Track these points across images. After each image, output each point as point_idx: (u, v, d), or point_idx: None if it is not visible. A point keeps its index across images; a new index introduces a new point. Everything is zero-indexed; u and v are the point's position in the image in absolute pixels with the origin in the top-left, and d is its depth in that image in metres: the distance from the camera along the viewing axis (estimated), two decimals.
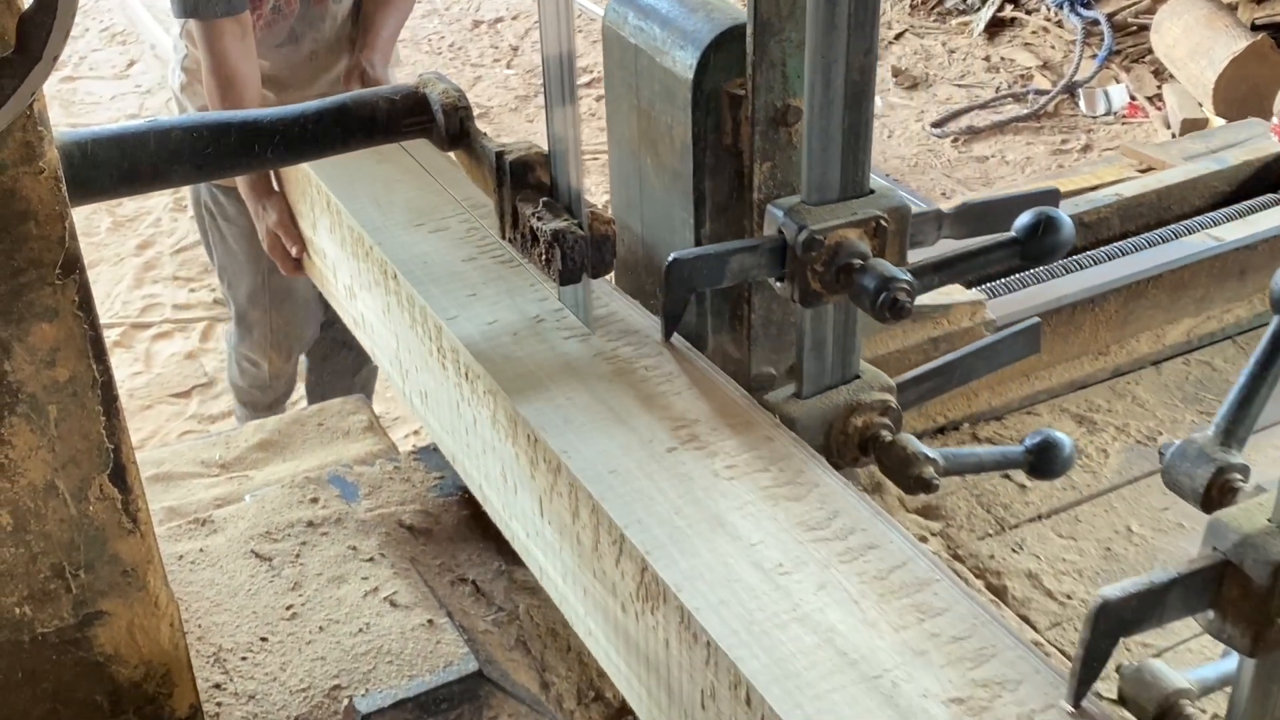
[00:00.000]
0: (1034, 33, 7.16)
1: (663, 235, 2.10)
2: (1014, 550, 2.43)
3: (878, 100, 6.81)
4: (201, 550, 2.26)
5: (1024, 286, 2.89)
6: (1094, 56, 6.76)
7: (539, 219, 1.90)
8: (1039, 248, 1.86)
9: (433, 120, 2.06)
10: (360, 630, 2.09)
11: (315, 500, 2.36)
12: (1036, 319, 2.18)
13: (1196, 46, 5.87)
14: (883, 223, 1.81)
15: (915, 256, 1.88)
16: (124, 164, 1.85)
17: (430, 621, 2.09)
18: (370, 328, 2.45)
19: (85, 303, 1.51)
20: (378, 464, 2.50)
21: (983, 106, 6.81)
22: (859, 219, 1.80)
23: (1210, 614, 1.37)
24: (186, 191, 4.03)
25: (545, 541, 1.85)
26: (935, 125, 6.67)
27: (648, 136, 2.07)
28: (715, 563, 1.51)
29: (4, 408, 1.52)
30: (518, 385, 1.85)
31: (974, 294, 2.74)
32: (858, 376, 1.99)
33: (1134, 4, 6.89)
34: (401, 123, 2.06)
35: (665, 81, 1.98)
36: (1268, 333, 1.43)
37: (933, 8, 7.69)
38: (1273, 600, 1.32)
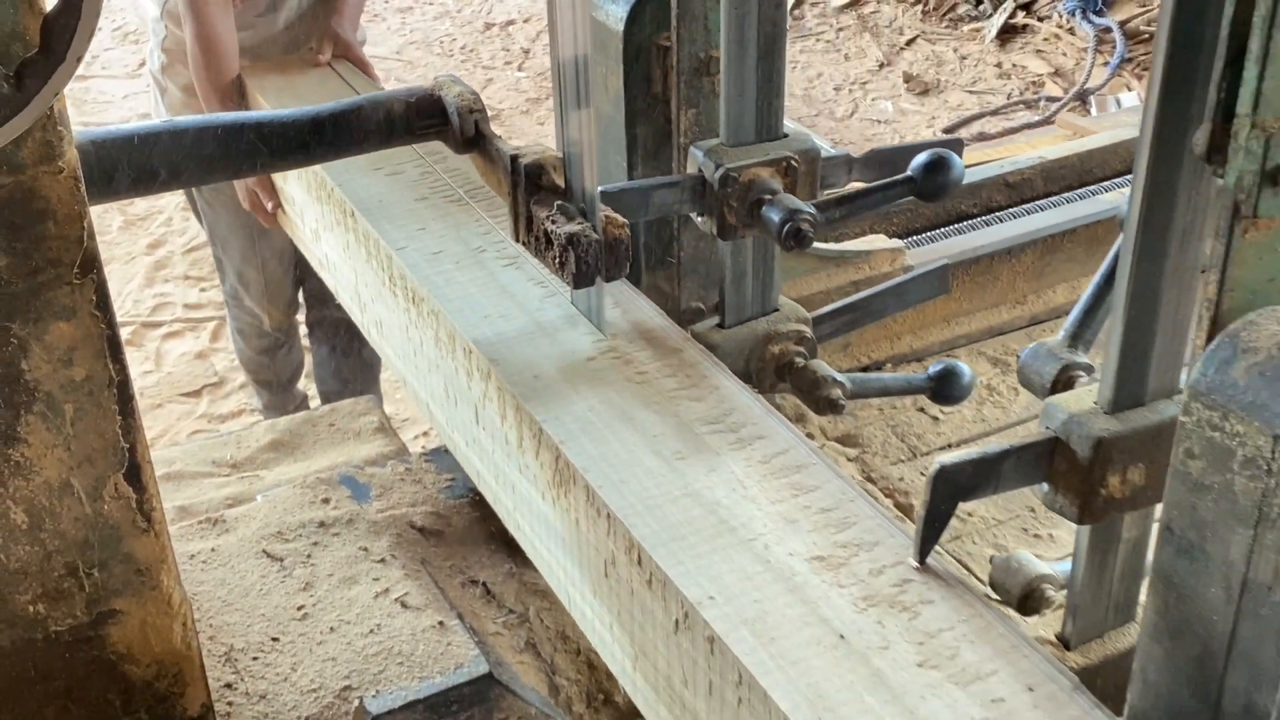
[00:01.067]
0: (1046, 40, 7.16)
1: (600, 179, 2.20)
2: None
3: (888, 105, 6.82)
4: (213, 550, 2.27)
5: (946, 238, 3.17)
6: (1106, 64, 6.76)
7: (553, 222, 1.90)
8: (931, 185, 2.03)
9: (448, 123, 2.06)
10: (371, 631, 2.09)
11: (327, 501, 2.37)
12: (945, 261, 2.39)
13: None
14: (793, 163, 2.00)
15: None
16: (139, 164, 1.85)
17: (441, 623, 2.10)
18: (333, 266, 2.64)
19: (103, 302, 1.52)
20: (389, 465, 2.51)
21: (994, 113, 6.81)
22: (771, 159, 1.99)
23: (1045, 486, 1.54)
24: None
25: (481, 447, 2.04)
26: (946, 131, 6.67)
27: None
28: (620, 450, 1.71)
29: (20, 406, 1.52)
30: (457, 306, 2.04)
31: (895, 242, 2.95)
32: (776, 309, 2.18)
33: (1146, 11, 6.89)
34: (416, 125, 2.07)
35: (599, 34, 2.14)
36: (1111, 250, 1.58)
37: (944, 14, 7.69)
38: (1095, 472, 1.49)
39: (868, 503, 1.60)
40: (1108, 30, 6.77)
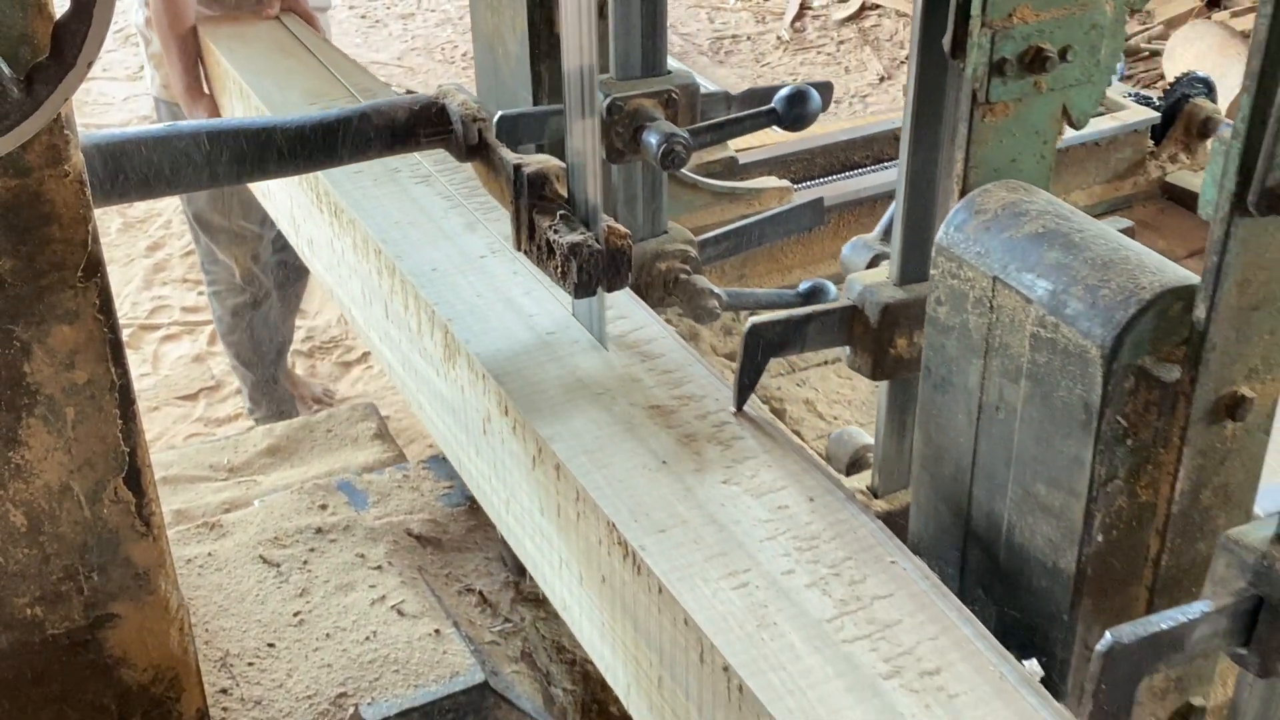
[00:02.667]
0: None
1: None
2: (798, 385, 2.91)
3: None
4: (210, 554, 2.27)
5: (834, 182, 3.48)
6: None
7: (555, 231, 1.90)
8: (791, 115, 2.32)
9: (451, 131, 2.06)
10: (367, 638, 2.09)
11: (324, 507, 2.36)
12: (820, 195, 2.68)
13: (1209, 74, 5.88)
14: (674, 95, 2.27)
15: None
16: (143, 168, 1.85)
17: (437, 631, 2.09)
18: (272, 195, 2.92)
19: (106, 306, 1.52)
20: (387, 472, 2.51)
21: None
22: (653, 91, 2.26)
23: (847, 349, 1.81)
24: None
25: (391, 339, 2.28)
26: None
27: (498, 30, 2.49)
28: (500, 327, 1.98)
29: (22, 409, 1.52)
30: (371, 215, 2.28)
31: (783, 182, 3.26)
32: (665, 231, 2.45)
33: (1146, 29, 6.90)
34: (420, 132, 2.07)
35: None
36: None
37: None
38: (883, 334, 1.75)
39: (704, 367, 1.87)
40: None
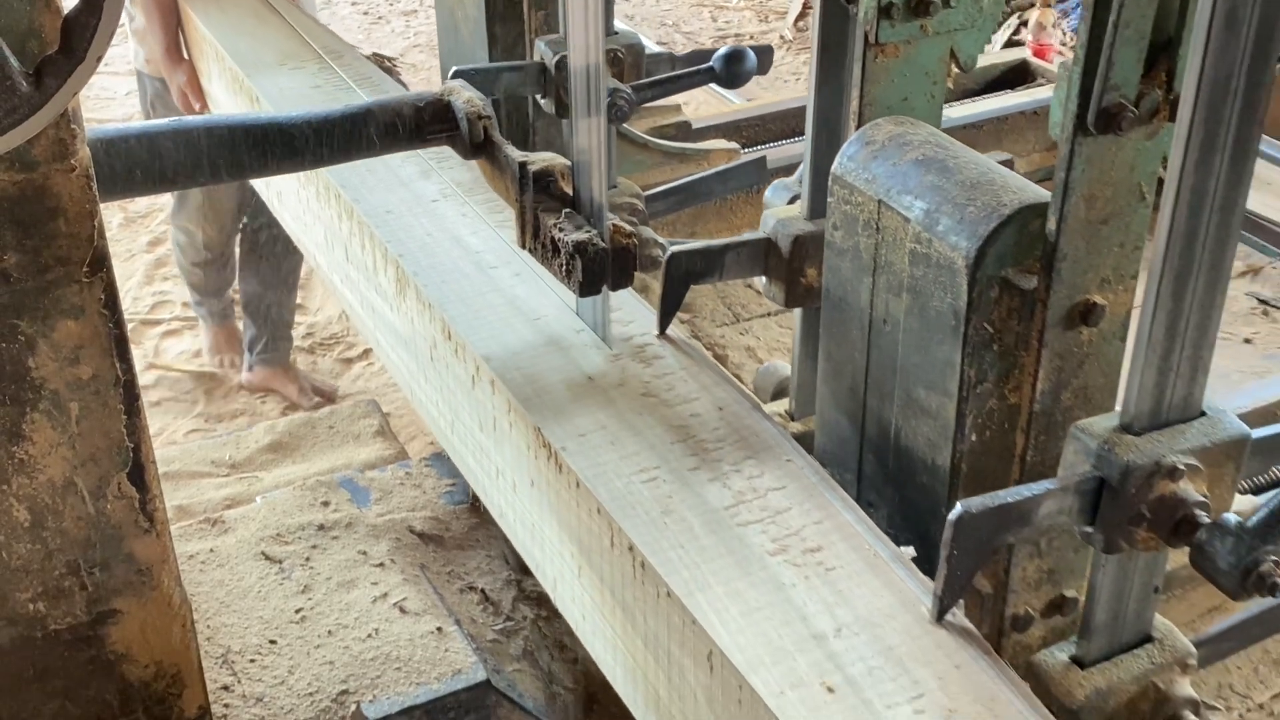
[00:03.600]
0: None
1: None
2: (741, 334, 3.07)
3: None
4: (211, 550, 2.26)
5: (782, 146, 3.61)
6: None
7: (560, 230, 1.89)
8: (729, 74, 2.50)
9: (456, 128, 2.06)
10: (369, 636, 2.09)
11: (326, 504, 2.36)
12: (764, 155, 2.79)
13: None
14: (620, 54, 2.43)
15: None
16: (146, 163, 1.85)
17: (439, 629, 2.09)
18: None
19: (111, 301, 1.51)
20: (389, 469, 2.51)
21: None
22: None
23: (765, 280, 1.91)
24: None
25: (351, 281, 2.42)
26: None
27: None
28: (447, 262, 2.10)
29: (26, 404, 1.52)
30: (344, 176, 2.41)
31: (731, 144, 3.38)
32: (615, 185, 2.48)
33: None
34: (425, 129, 2.06)
35: None
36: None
37: None
38: (794, 264, 1.86)
39: (630, 294, 2.00)
40: None
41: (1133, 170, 1.47)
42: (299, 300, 4.99)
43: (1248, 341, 3.06)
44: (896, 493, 1.72)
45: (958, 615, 1.42)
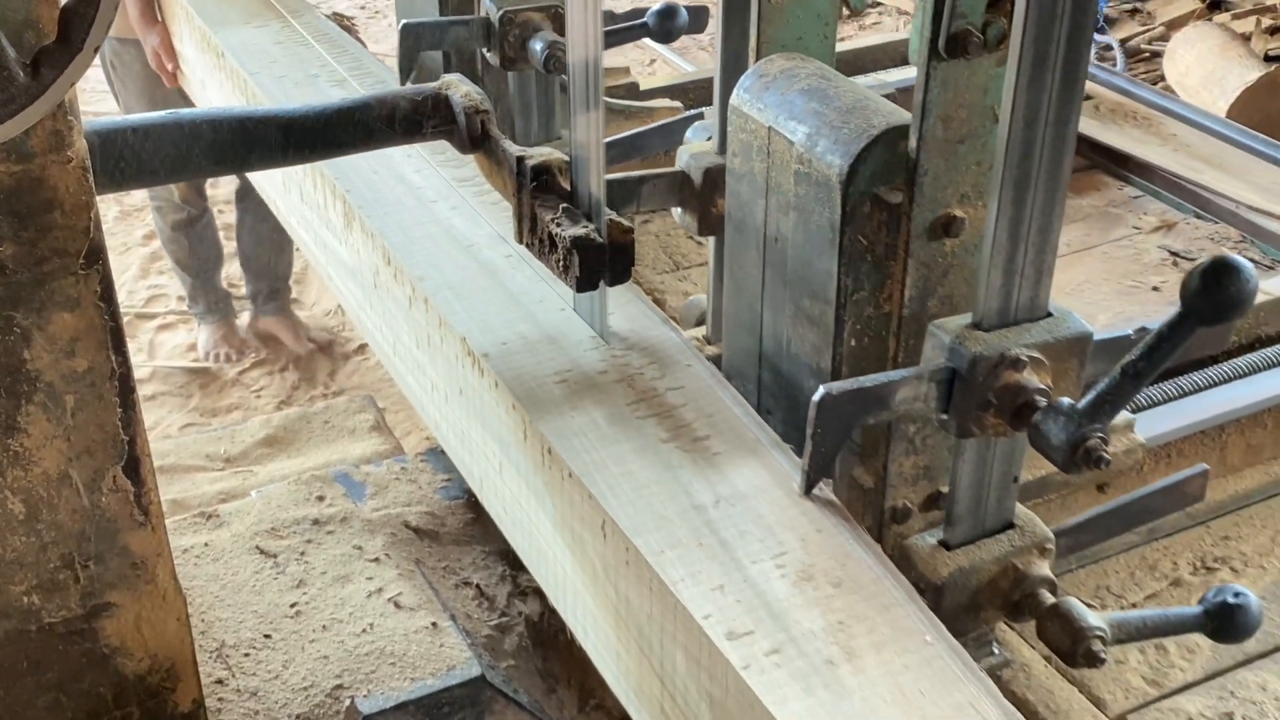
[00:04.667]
0: None
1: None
2: (680, 280, 3.20)
3: None
4: (206, 544, 2.26)
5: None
6: None
7: (558, 225, 1.89)
8: (661, 29, 2.65)
9: (454, 122, 2.05)
10: (364, 630, 2.08)
11: (322, 498, 2.36)
12: (701, 111, 2.78)
13: (1209, 75, 5.87)
14: (559, 10, 2.58)
15: None
16: (143, 156, 1.84)
17: (434, 624, 2.09)
18: (212, 104, 3.33)
19: (107, 293, 1.51)
20: (385, 464, 2.50)
21: None
22: (542, 5, 2.61)
23: (680, 210, 2.05)
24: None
25: (306, 221, 2.63)
26: None
27: None
28: (390, 196, 2.29)
29: (21, 396, 1.51)
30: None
31: (674, 103, 3.54)
32: (558, 137, 2.79)
33: (1147, 30, 6.90)
34: (423, 123, 2.06)
35: None
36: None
37: None
38: (706, 195, 2.00)
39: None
40: (1108, 48, 6.78)
41: (985, 94, 1.60)
42: (294, 295, 5.00)
43: (1156, 289, 3.23)
44: (788, 398, 1.86)
45: (824, 490, 1.59)
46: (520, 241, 2.00)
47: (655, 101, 3.60)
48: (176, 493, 2.61)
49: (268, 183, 2.92)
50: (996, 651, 1.86)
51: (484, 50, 2.68)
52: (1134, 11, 7.17)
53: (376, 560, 2.22)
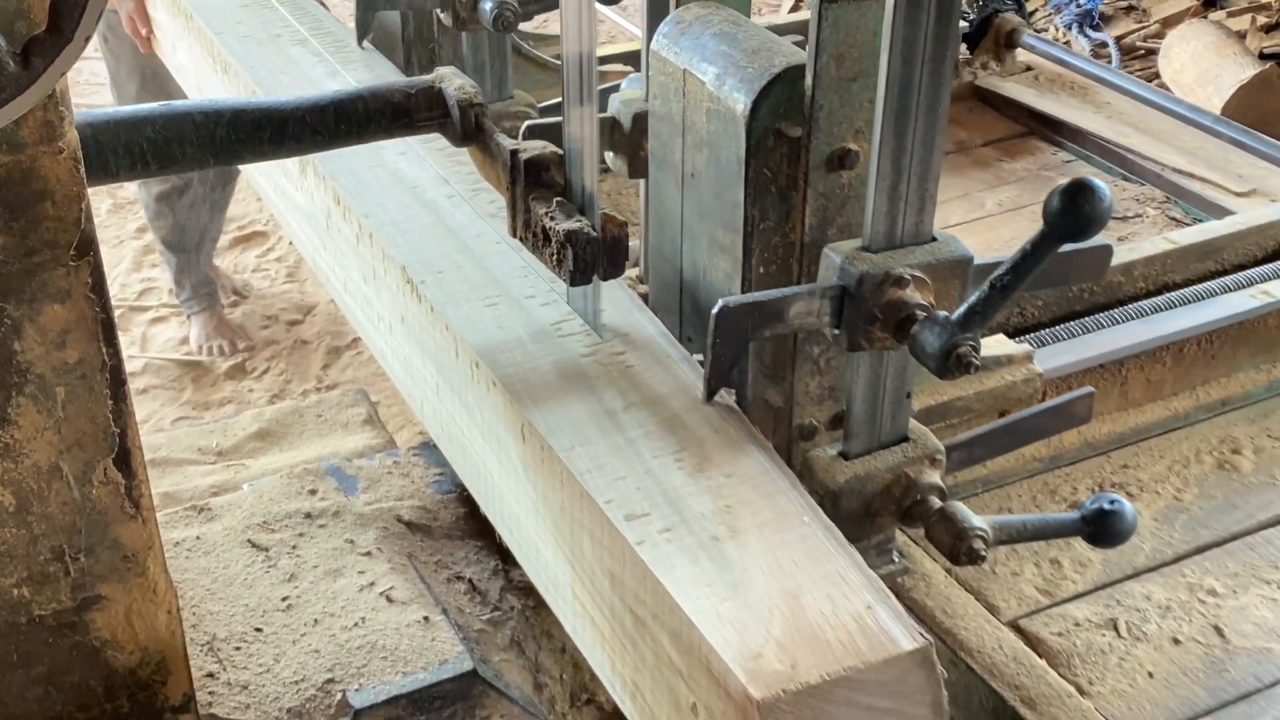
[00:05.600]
0: None
1: None
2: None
3: None
4: (198, 538, 2.25)
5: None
6: None
7: (551, 219, 1.88)
8: None
9: (447, 115, 2.05)
10: (355, 624, 2.08)
11: (314, 492, 2.35)
12: (628, 71, 2.93)
13: (1204, 73, 5.87)
14: None
15: None
16: (137, 147, 1.84)
17: (426, 618, 2.09)
18: (183, 69, 3.43)
19: (98, 285, 1.50)
20: (377, 458, 2.50)
21: None
22: None
23: (611, 154, 2.12)
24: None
25: (266, 172, 2.75)
26: None
27: None
28: (370, 179, 2.36)
29: (12, 388, 1.51)
30: (251, 65, 2.77)
31: (626, 68, 3.56)
32: (511, 96, 2.95)
33: (1143, 28, 6.90)
34: (416, 116, 2.05)
35: None
36: None
37: None
38: (635, 139, 2.08)
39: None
40: (1104, 45, 6.78)
41: (875, 35, 1.69)
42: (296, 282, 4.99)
43: None
44: (705, 325, 1.90)
45: (725, 397, 1.73)
46: (514, 235, 1.99)
47: (609, 67, 3.73)
48: (168, 486, 2.61)
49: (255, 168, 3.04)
50: (896, 560, 2.00)
51: (438, 11, 2.81)
52: (1129, 9, 7.18)
53: (368, 554, 2.22)
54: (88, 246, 1.48)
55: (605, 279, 1.90)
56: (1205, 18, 6.65)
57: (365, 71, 2.74)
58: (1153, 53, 6.65)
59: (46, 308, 1.49)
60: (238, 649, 2.05)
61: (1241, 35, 6.25)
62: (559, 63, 3.45)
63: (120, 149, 1.83)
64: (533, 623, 2.21)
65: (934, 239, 1.73)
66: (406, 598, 2.12)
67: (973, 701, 2.16)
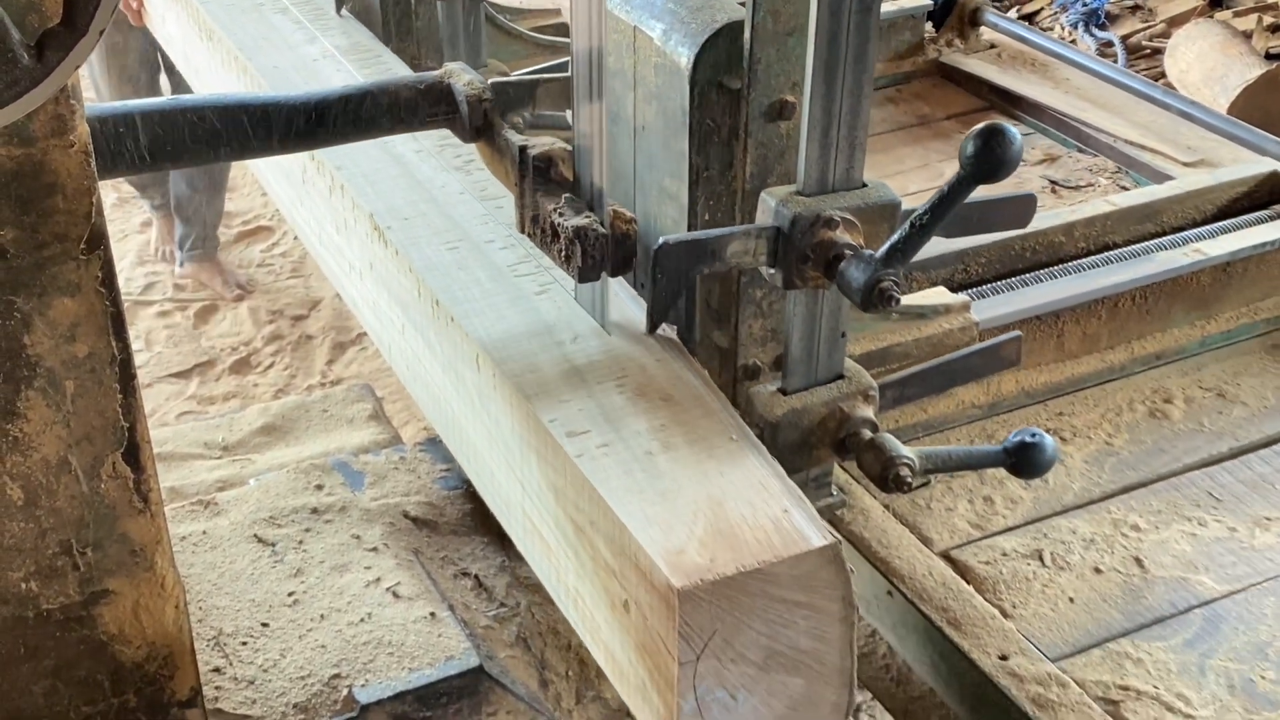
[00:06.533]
0: None
1: None
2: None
3: None
4: (204, 532, 2.25)
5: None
6: None
7: (560, 215, 1.88)
8: None
9: (456, 111, 2.05)
10: (362, 620, 2.08)
11: (320, 487, 2.35)
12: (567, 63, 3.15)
13: (1210, 73, 5.86)
14: None
15: None
16: (143, 141, 1.83)
17: (432, 614, 2.08)
18: (171, 39, 3.54)
19: (108, 279, 1.50)
20: (384, 454, 2.49)
21: None
22: None
23: (570, 112, 2.03)
24: None
25: (273, 159, 2.74)
26: None
27: None
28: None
29: (21, 381, 1.51)
30: (235, 32, 2.87)
31: None
32: (485, 65, 2.92)
33: (1149, 27, 6.89)
34: (425, 112, 2.05)
35: None
36: None
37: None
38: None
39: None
40: (1109, 44, 6.78)
41: None
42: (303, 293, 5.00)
43: None
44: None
45: (666, 330, 1.85)
46: (522, 231, 1.99)
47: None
48: (174, 480, 2.60)
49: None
50: (835, 493, 2.15)
51: None
52: (1135, 8, 7.17)
53: (375, 550, 2.21)
54: (98, 240, 1.48)
55: (613, 275, 1.89)
56: (1211, 17, 6.64)
57: (343, 38, 2.84)
58: (1158, 52, 6.64)
59: (56, 301, 1.49)
60: (244, 644, 2.04)
61: (1247, 35, 6.24)
62: (535, 35, 3.59)
63: (128, 143, 1.83)
64: (538, 619, 2.20)
65: (864, 185, 1.84)
66: (413, 593, 2.12)
67: (905, 625, 2.33)
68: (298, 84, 2.60)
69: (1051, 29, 7.15)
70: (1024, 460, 1.94)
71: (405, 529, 2.29)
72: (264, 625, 2.08)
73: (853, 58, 1.74)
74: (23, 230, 1.43)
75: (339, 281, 2.48)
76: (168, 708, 1.80)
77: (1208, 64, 5.93)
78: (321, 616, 2.09)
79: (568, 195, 1.90)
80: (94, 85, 4.93)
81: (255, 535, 2.24)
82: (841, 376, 1.99)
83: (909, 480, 1.89)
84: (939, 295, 2.68)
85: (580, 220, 1.85)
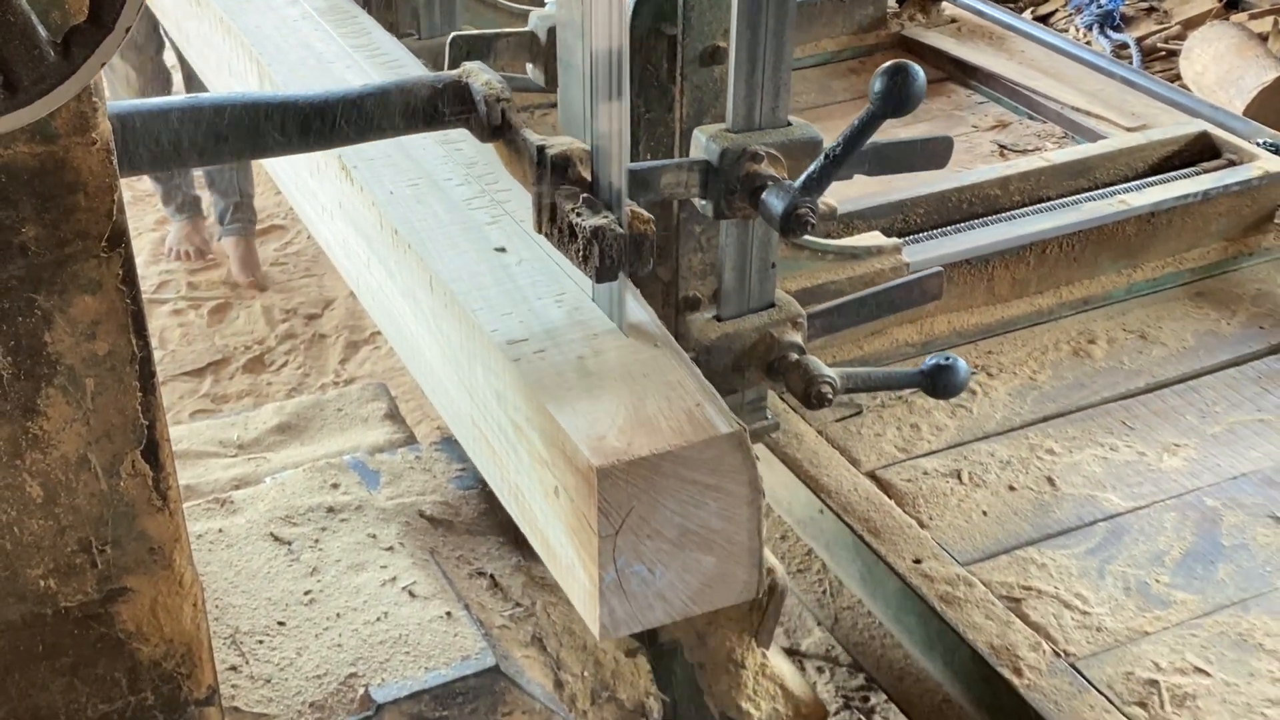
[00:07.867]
0: None
1: None
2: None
3: None
4: (220, 531, 2.25)
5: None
6: None
7: (578, 215, 1.88)
8: None
9: (474, 110, 2.04)
10: (378, 619, 2.08)
11: (336, 486, 2.35)
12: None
13: (1226, 75, 5.85)
14: None
15: None
16: (161, 140, 1.84)
17: (448, 614, 2.08)
18: (166, 12, 3.61)
19: (129, 277, 1.50)
20: (399, 453, 2.49)
21: None
22: None
23: (530, 66, 2.34)
24: None
25: (230, 90, 2.95)
26: None
27: None
28: (295, 59, 2.67)
29: (41, 379, 1.51)
30: (228, 4, 2.95)
31: None
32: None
33: (1164, 29, 6.87)
34: (442, 111, 2.05)
35: None
36: None
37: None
38: (550, 50, 2.22)
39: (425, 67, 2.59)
40: (1124, 46, 6.76)
41: None
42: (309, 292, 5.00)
43: None
44: None
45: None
46: (540, 231, 1.99)
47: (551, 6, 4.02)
48: (189, 479, 2.61)
49: (203, 62, 3.28)
50: (769, 416, 2.30)
51: None
52: (1150, 10, 7.15)
53: (391, 549, 2.21)
54: (119, 238, 1.48)
55: (631, 275, 1.89)
56: (1227, 19, 6.63)
57: (323, 1, 3.01)
58: (1174, 54, 6.62)
59: (77, 299, 1.48)
60: (260, 642, 2.04)
61: (1263, 37, 6.22)
62: (508, 4, 3.71)
63: (146, 141, 1.83)
64: (554, 619, 2.20)
65: (789, 124, 2.00)
66: (429, 593, 2.12)
67: (836, 542, 2.55)
68: (277, 42, 2.78)
69: (1065, 31, 7.13)
70: (939, 382, 2.12)
71: (421, 528, 2.29)
72: (280, 624, 2.08)
73: (774, 4, 1.90)
74: (44, 228, 1.43)
75: (314, 226, 2.63)
76: (185, 706, 1.79)
77: (1223, 66, 5.91)
78: (338, 615, 2.09)
79: (585, 195, 1.90)
80: (109, 84, 4.99)
81: (271, 534, 2.24)
82: (772, 305, 2.17)
83: (829, 397, 2.08)
84: (873, 238, 2.87)
85: (598, 220, 1.85)
